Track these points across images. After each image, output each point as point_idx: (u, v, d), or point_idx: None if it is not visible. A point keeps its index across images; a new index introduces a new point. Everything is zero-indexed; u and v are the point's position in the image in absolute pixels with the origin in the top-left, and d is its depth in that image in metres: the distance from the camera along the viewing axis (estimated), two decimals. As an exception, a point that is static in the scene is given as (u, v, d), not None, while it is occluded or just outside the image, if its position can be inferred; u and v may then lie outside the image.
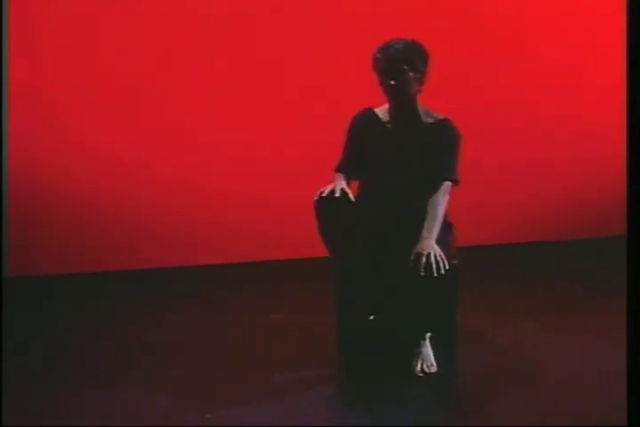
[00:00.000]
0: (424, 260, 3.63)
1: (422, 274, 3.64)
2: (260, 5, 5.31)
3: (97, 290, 5.12)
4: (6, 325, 4.28)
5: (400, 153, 3.93)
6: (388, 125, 3.95)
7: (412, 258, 3.68)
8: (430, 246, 3.68)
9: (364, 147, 3.95)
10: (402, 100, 3.86)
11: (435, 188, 3.85)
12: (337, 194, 3.72)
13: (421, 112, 3.92)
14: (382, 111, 3.96)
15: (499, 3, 5.53)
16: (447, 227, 3.93)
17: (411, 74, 3.79)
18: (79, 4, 5.16)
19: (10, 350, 4.06)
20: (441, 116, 3.94)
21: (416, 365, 3.85)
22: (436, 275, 3.63)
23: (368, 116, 3.97)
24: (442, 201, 3.84)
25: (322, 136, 5.05)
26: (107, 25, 5.20)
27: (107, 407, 3.62)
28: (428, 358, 3.88)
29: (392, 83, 3.78)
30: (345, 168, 3.96)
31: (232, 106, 5.38)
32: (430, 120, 3.92)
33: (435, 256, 3.65)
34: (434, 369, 3.85)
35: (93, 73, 5.24)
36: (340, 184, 3.78)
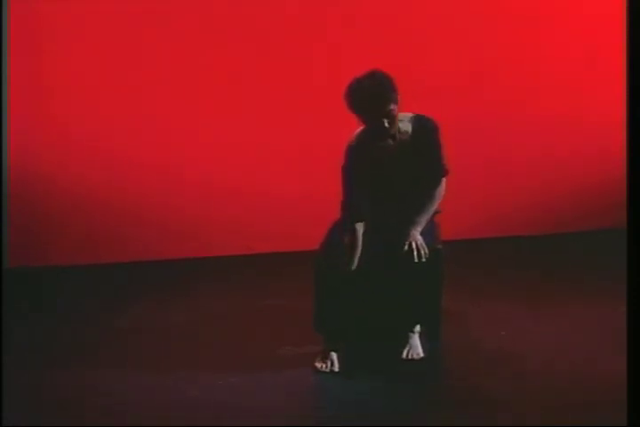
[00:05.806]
0: (406, 247, 3.94)
1: (406, 257, 3.93)
2: (260, 5, 5.38)
3: (98, 282, 5.24)
4: (6, 318, 4.35)
5: (397, 166, 4.03)
6: (378, 149, 3.97)
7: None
8: (414, 237, 3.97)
9: (365, 182, 4.00)
10: (390, 128, 3.89)
11: (432, 184, 4.05)
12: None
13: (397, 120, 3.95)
14: (364, 138, 3.96)
15: (501, 3, 5.62)
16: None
17: (394, 106, 3.84)
18: (79, 3, 5.22)
19: (9, 346, 4.17)
20: (411, 114, 3.98)
21: (403, 352, 4.12)
22: (416, 260, 3.94)
23: (357, 151, 3.96)
24: (438, 197, 4.06)
25: (319, 135, 5.28)
26: (106, 24, 5.27)
27: (109, 399, 3.77)
28: (415, 349, 4.15)
29: (387, 125, 3.84)
30: (361, 216, 4.00)
31: (232, 103, 5.43)
32: (406, 121, 3.96)
33: (417, 245, 3.95)
34: (418, 357, 4.13)
35: (93, 72, 5.31)
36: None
